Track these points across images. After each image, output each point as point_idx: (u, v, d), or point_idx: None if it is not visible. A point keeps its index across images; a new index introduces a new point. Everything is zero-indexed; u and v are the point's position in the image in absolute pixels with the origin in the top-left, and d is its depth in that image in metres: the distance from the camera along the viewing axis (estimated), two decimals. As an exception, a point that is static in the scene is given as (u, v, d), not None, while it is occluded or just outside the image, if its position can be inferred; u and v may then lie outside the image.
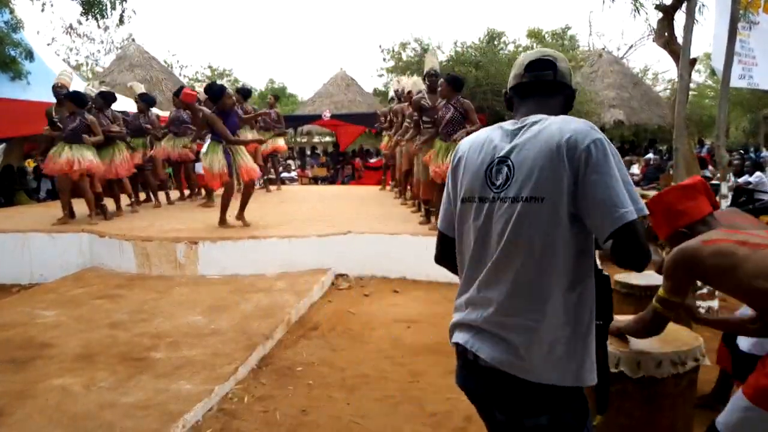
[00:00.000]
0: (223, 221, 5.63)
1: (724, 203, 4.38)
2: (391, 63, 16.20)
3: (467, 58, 14.33)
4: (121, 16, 9.68)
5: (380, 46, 17.17)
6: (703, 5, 5.73)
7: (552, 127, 1.26)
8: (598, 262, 1.60)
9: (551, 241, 1.22)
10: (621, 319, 2.23)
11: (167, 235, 5.31)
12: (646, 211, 1.21)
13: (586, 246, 1.26)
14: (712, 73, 18.67)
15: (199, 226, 5.76)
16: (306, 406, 2.84)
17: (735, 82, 5.44)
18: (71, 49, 22.43)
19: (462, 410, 2.76)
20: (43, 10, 10.92)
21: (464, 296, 1.38)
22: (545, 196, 1.21)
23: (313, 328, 3.98)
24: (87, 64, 22.91)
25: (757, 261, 1.78)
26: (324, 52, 54.27)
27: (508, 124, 1.36)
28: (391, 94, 8.81)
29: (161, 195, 7.84)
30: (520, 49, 16.66)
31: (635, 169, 12.64)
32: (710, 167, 9.49)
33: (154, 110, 7.90)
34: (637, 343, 2.11)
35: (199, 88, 7.82)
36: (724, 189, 4.49)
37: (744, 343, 2.35)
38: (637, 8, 6.32)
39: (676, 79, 5.15)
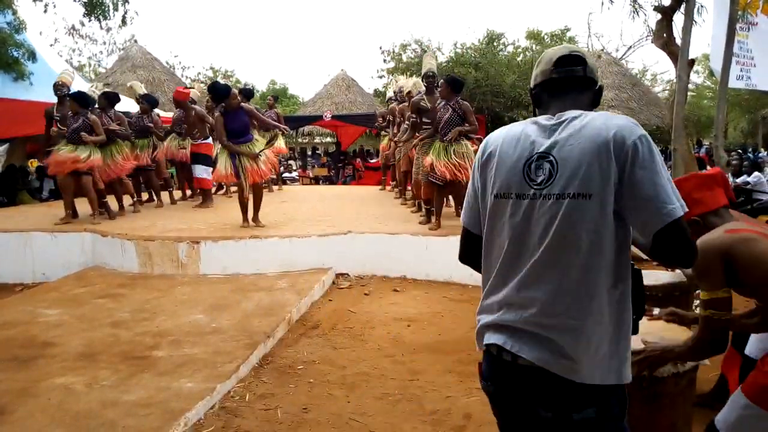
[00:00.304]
0: (245, 220, 5.66)
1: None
2: (392, 64, 16.25)
3: (467, 59, 14.37)
4: (124, 17, 9.74)
5: (380, 48, 17.21)
6: (702, 6, 5.76)
7: (595, 122, 1.23)
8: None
9: (599, 238, 1.20)
10: (665, 345, 1.98)
11: (169, 234, 5.34)
12: (686, 209, 1.21)
13: (626, 242, 1.24)
14: (711, 73, 18.69)
15: (200, 226, 5.79)
16: (307, 403, 2.86)
17: (733, 82, 5.48)
18: (74, 50, 22.58)
19: (461, 408, 2.79)
20: (45, 11, 10.95)
21: (496, 296, 1.33)
22: (592, 193, 1.19)
23: (313, 326, 4.00)
24: (90, 65, 23.01)
25: None
26: (325, 54, 54.34)
27: (543, 119, 1.33)
28: (390, 94, 8.84)
29: (165, 195, 7.86)
30: (520, 50, 16.70)
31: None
32: (708, 167, 9.50)
33: (156, 110, 7.93)
34: (637, 342, 2.11)
35: (196, 87, 7.85)
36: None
37: (748, 347, 2.33)
38: (636, 9, 6.35)
39: (675, 80, 5.17)
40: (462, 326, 3.98)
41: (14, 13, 8.47)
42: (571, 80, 1.37)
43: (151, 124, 7.40)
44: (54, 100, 6.34)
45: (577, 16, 62.69)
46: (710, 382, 2.86)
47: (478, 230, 1.41)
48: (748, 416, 1.84)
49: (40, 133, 6.84)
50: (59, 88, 6.19)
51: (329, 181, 15.22)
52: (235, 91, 5.75)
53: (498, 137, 1.38)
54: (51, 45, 17.76)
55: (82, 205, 6.29)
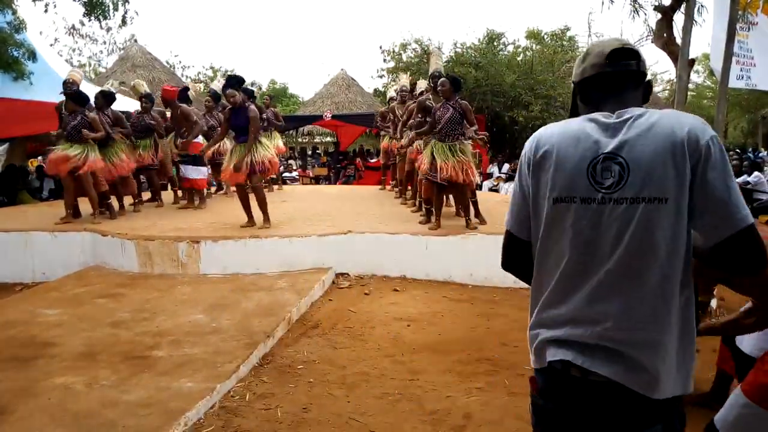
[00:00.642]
0: (249, 219, 5.66)
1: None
2: (392, 64, 16.24)
3: (467, 58, 14.38)
4: (124, 16, 9.75)
5: (380, 47, 17.23)
6: (702, 6, 5.77)
7: (664, 121, 1.16)
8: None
9: (675, 244, 1.14)
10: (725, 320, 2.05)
11: (169, 234, 5.34)
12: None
13: (690, 245, 1.17)
14: (711, 73, 18.69)
15: (200, 226, 5.79)
16: (307, 403, 2.86)
17: (733, 82, 5.47)
18: (74, 50, 22.59)
19: (461, 408, 2.79)
20: (45, 11, 10.98)
21: (558, 309, 1.24)
22: (668, 197, 1.12)
23: (313, 326, 4.00)
24: (90, 64, 23.05)
25: None
26: (325, 53, 54.36)
27: (602, 117, 1.23)
28: (391, 93, 8.83)
29: (168, 194, 7.85)
30: (520, 50, 16.69)
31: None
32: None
33: (157, 108, 7.92)
34: None
35: (192, 88, 7.83)
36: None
37: (747, 346, 2.35)
38: (636, 9, 6.35)
39: (675, 80, 5.17)
40: (462, 326, 3.98)
41: (14, 12, 8.47)
42: (626, 75, 1.29)
43: (153, 122, 7.40)
44: (55, 100, 6.34)
45: (577, 16, 62.69)
46: (710, 382, 2.86)
47: (526, 235, 1.32)
48: (747, 415, 1.84)
49: (41, 133, 6.84)
50: (68, 85, 6.19)
51: (329, 180, 15.23)
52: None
53: (551, 134, 1.27)
54: (51, 45, 17.82)
55: (84, 205, 6.29)
